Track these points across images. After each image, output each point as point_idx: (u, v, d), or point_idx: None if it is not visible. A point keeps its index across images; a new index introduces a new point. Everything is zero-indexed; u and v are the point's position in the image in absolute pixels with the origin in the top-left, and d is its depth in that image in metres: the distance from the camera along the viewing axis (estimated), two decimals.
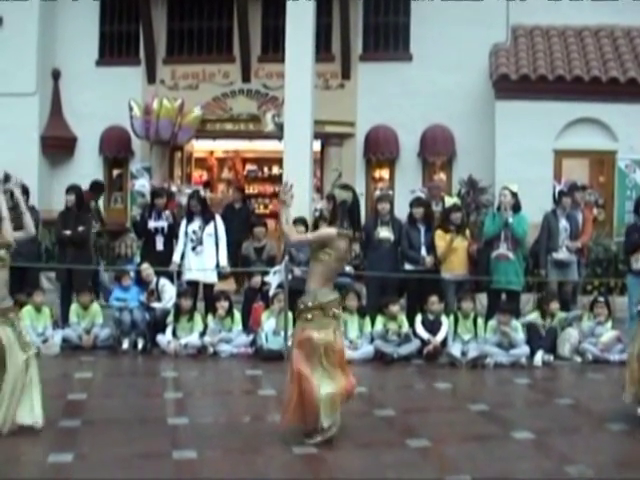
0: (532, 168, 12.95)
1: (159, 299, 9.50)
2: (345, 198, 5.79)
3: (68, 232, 10.10)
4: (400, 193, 13.95)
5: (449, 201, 11.20)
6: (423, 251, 9.58)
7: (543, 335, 8.97)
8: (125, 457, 5.30)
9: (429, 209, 10.10)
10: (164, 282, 9.58)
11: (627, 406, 6.33)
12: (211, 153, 17.64)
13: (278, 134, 13.47)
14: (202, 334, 9.06)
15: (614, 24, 14.49)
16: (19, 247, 6.17)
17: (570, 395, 7.40)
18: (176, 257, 9.89)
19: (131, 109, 14.34)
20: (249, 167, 17.95)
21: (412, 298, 9.66)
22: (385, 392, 7.78)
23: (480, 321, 9.06)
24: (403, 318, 9.12)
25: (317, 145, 14.27)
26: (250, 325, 9.35)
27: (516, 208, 9.39)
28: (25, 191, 10.29)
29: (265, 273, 9.78)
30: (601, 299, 9.34)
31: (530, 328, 9.00)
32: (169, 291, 9.53)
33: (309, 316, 5.62)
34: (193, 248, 9.85)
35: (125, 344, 9.18)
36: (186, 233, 9.90)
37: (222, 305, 9.21)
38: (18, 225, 6.06)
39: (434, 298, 9.11)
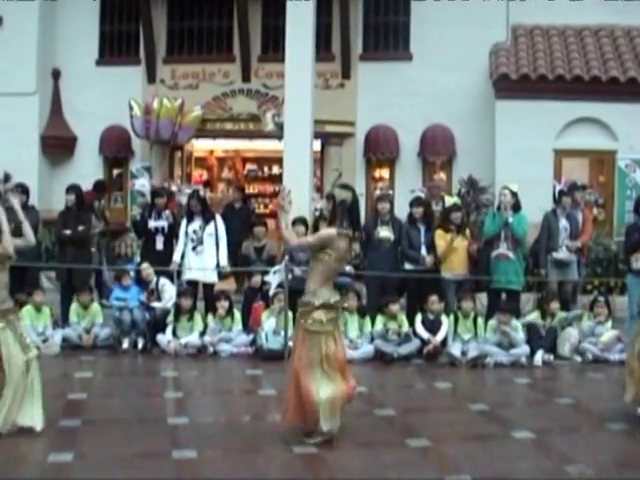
0: (532, 168, 12.95)
1: (159, 299, 9.50)
2: (345, 198, 5.80)
3: (68, 232, 10.10)
4: (400, 193, 13.95)
5: (449, 201, 11.20)
6: (423, 251, 9.58)
7: (543, 335, 8.97)
8: (125, 457, 5.30)
9: (429, 209, 10.11)
10: (164, 282, 9.59)
11: (627, 406, 6.33)
12: (211, 153, 17.64)
13: (278, 134, 13.46)
14: (202, 334, 9.06)
15: (614, 24, 14.49)
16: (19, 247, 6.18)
17: (570, 395, 7.40)
18: (176, 257, 9.89)
19: (131, 109, 14.34)
20: (249, 167, 17.95)
21: (412, 298, 9.67)
22: (385, 392, 7.78)
23: (480, 321, 9.06)
24: (403, 318, 9.12)
25: (317, 145, 14.26)
26: (250, 325, 9.34)
27: (516, 208, 9.39)
28: (25, 191, 10.38)
29: (265, 273, 9.78)
30: (601, 299, 9.34)
31: (530, 328, 9.00)
32: (169, 291, 9.54)
33: (310, 315, 5.62)
34: (193, 248, 9.85)
35: (125, 344, 9.18)
36: (186, 233, 9.90)
37: (222, 305, 9.21)
38: (18, 235, 6.07)
39: (434, 298, 9.11)
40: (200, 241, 9.86)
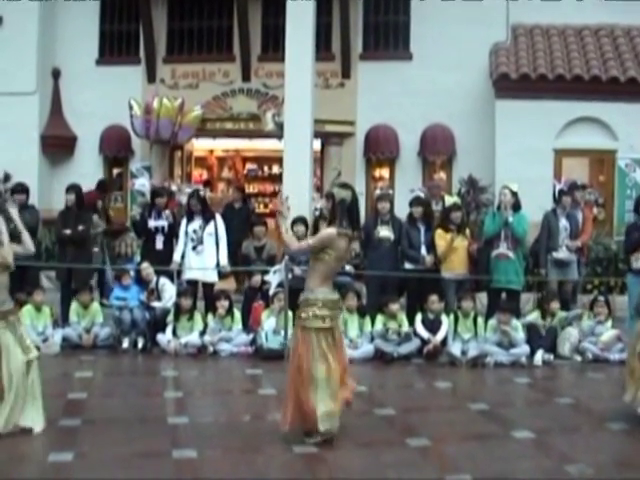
0: (532, 167, 12.95)
1: (159, 298, 9.50)
2: (344, 197, 5.79)
3: (68, 231, 10.10)
4: (400, 192, 13.94)
5: (449, 200, 11.19)
6: (423, 250, 9.58)
7: (543, 334, 8.97)
8: (125, 456, 5.30)
9: (429, 208, 10.11)
10: (164, 281, 9.59)
11: (627, 405, 6.32)
12: (211, 152, 17.64)
13: (278, 133, 13.46)
14: (202, 333, 9.06)
15: (614, 23, 14.50)
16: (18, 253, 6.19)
17: (570, 394, 7.40)
18: (176, 256, 9.89)
19: (131, 108, 14.34)
20: (249, 166, 17.96)
21: (412, 297, 9.67)
22: (385, 391, 7.78)
23: (480, 320, 9.06)
24: (403, 317, 9.12)
25: (317, 144, 14.27)
26: (250, 324, 9.34)
27: (516, 207, 9.39)
28: (25, 190, 10.39)
29: (265, 272, 9.78)
30: (601, 298, 9.34)
31: (530, 327, 9.00)
32: (169, 290, 9.54)
33: (308, 312, 5.62)
34: (193, 247, 9.85)
35: (125, 343, 9.18)
36: (186, 232, 9.90)
37: (222, 304, 9.21)
38: (17, 243, 6.08)
39: (434, 297, 9.11)
40: (200, 241, 9.86)
